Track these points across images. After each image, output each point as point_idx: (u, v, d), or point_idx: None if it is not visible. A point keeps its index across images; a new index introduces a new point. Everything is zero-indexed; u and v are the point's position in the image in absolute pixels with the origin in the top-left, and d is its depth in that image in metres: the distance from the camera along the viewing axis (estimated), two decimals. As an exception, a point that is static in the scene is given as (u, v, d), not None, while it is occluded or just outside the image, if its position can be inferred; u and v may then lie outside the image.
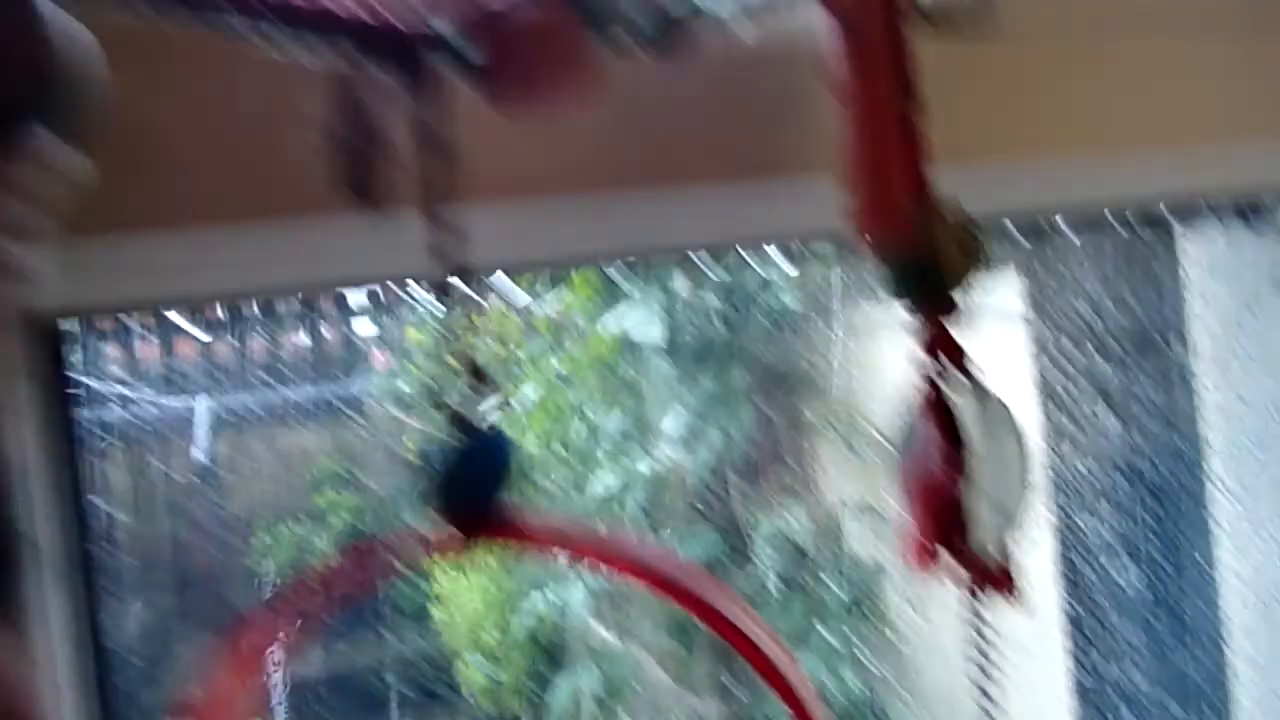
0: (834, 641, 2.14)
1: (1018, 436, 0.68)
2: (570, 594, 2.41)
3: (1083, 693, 1.26)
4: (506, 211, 0.68)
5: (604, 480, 2.49)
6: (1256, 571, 1.43)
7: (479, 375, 0.53)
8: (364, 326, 5.00)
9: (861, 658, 2.19)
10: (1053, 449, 1.41)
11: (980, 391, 0.67)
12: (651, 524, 2.49)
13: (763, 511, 2.30)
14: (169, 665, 4.29)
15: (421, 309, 4.36)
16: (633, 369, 2.66)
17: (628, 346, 2.69)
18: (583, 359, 2.90)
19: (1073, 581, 1.31)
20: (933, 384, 0.69)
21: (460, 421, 0.50)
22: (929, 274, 0.66)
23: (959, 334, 0.68)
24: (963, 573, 0.72)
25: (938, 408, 0.70)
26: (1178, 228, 1.46)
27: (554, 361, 3.08)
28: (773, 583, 2.28)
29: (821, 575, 2.21)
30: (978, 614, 0.73)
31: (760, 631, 0.55)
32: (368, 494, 4.62)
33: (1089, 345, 1.44)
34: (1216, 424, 1.47)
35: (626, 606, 2.72)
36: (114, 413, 4.16)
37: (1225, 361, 1.45)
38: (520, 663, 3.21)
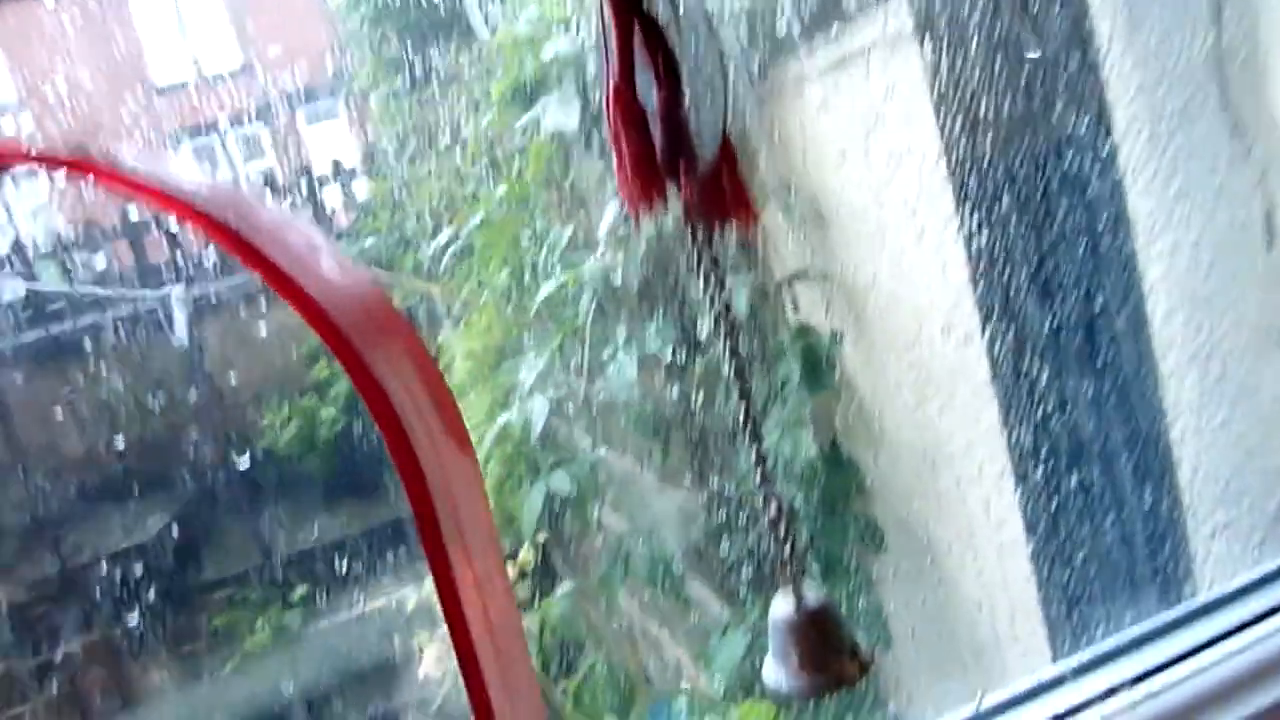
0: (792, 412, 2.08)
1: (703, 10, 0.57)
2: (533, 405, 2.37)
3: (1002, 392, 1.19)
4: None
5: (554, 285, 2.42)
6: (1174, 257, 1.32)
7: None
8: (332, 196, 4.88)
9: (829, 424, 2.14)
10: (952, 151, 1.29)
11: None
12: (606, 323, 2.42)
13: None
14: (212, 552, 4.40)
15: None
16: (565, 173, 2.55)
17: (559, 153, 2.57)
18: (523, 177, 2.79)
19: (987, 282, 1.22)
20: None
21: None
22: None
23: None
24: (694, 203, 0.62)
25: (633, 14, 0.59)
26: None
27: (498, 189, 2.97)
28: (727, 365, 2.21)
29: (771, 349, 2.14)
30: (712, 252, 0.64)
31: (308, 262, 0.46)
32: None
33: (987, 55, 1.30)
34: (1126, 105, 1.34)
35: (604, 414, 2.69)
36: (96, 318, 4.14)
37: (1131, 43, 1.30)
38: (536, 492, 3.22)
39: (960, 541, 1.52)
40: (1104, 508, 1.13)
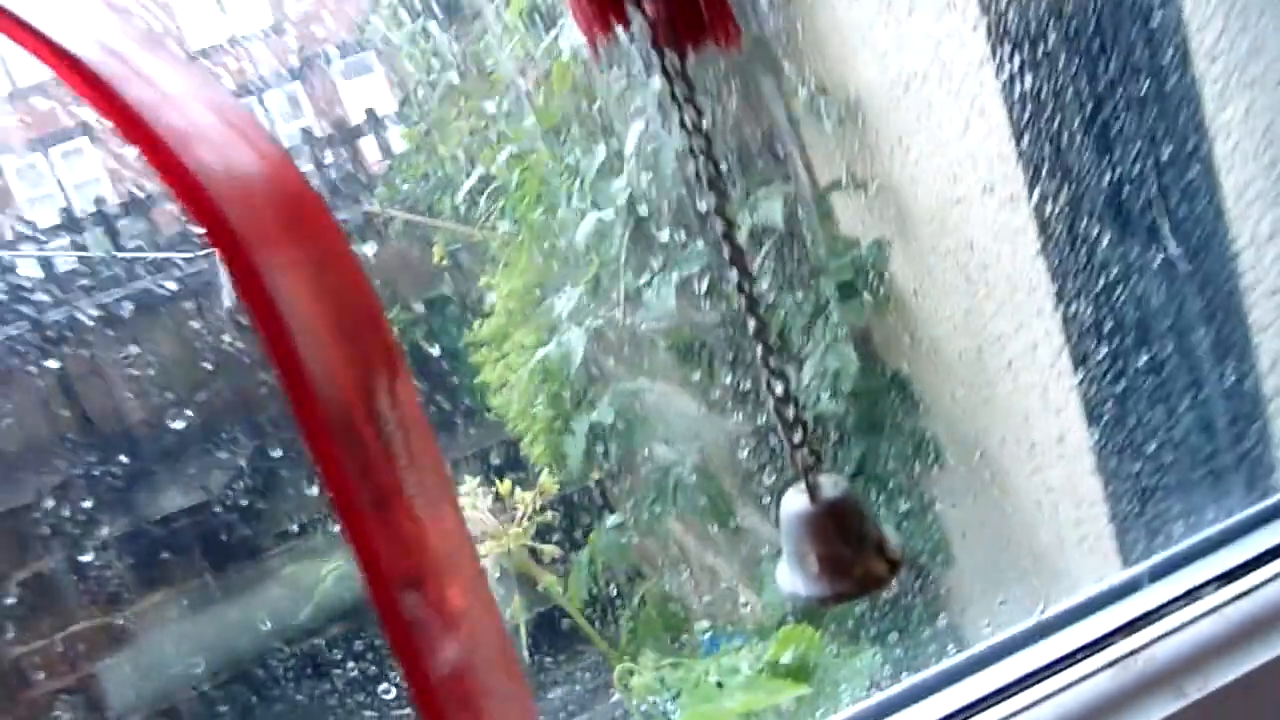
0: (836, 327, 1.96)
1: None
2: (570, 338, 2.28)
3: (1055, 262, 1.05)
4: None
5: (588, 220, 2.32)
6: (1247, 121, 1.16)
7: None
8: (369, 147, 4.81)
9: (874, 337, 2.02)
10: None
11: None
12: (641, 248, 2.32)
13: (745, 208, 2.08)
14: (274, 506, 4.44)
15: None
16: (591, 94, 2.43)
17: (583, 74, 2.45)
18: (550, 105, 2.68)
19: (1032, 135, 1.07)
20: None
21: None
22: None
23: None
24: (662, 23, 0.51)
25: None
26: None
27: (526, 120, 2.87)
28: (768, 283, 2.09)
29: (811, 262, 2.01)
30: (686, 84, 0.53)
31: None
32: (411, 305, 4.57)
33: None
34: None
35: (646, 342, 2.60)
36: (145, 283, 4.14)
37: None
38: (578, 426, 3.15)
39: (1014, 436, 1.39)
40: (1177, 392, 1.00)
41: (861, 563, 0.52)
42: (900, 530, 1.63)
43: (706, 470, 2.26)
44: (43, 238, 4.34)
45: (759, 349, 0.53)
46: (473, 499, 1.10)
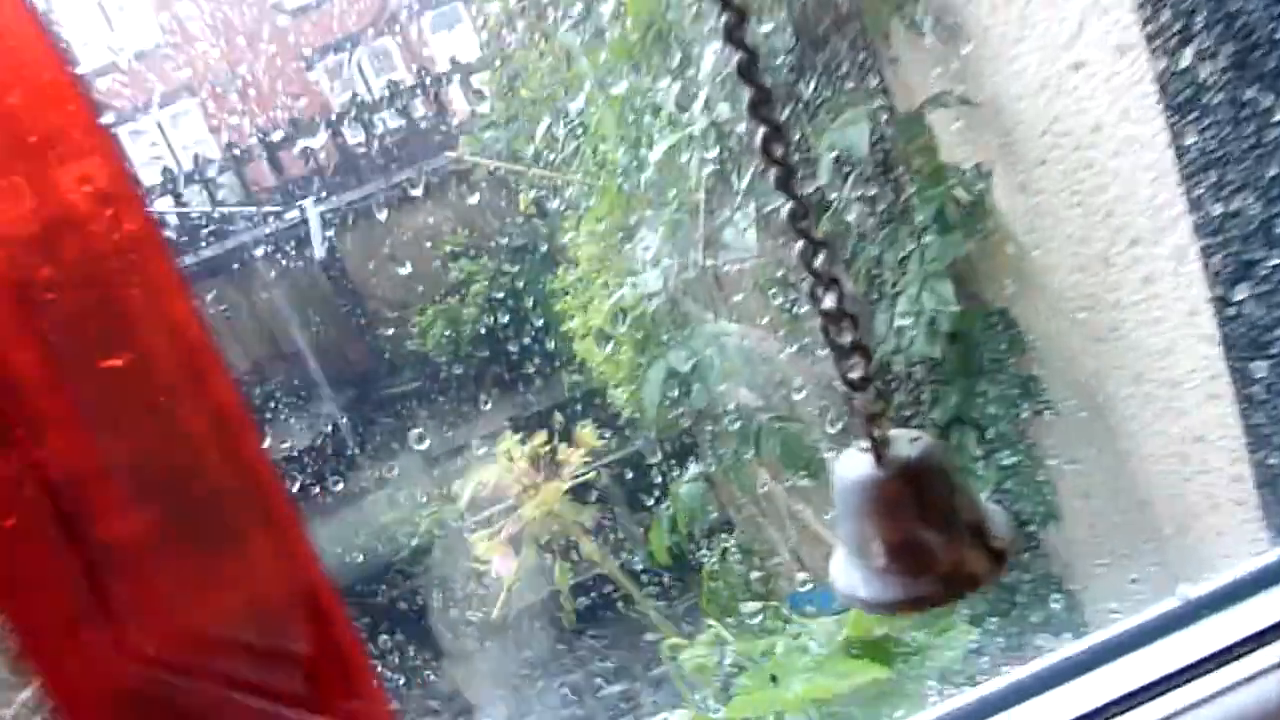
0: (933, 261, 1.75)
1: None
2: (648, 279, 2.12)
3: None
4: None
5: (663, 144, 2.15)
6: None
7: None
8: (455, 95, 4.71)
9: (972, 270, 1.79)
10: None
11: None
12: (721, 181, 2.14)
13: (830, 134, 1.87)
14: (369, 453, 4.44)
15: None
16: (664, 19, 2.23)
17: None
18: (626, 38, 2.50)
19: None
20: None
21: None
22: None
23: None
24: None
25: None
26: None
27: (602, 55, 2.70)
28: (855, 215, 1.89)
29: (906, 190, 1.79)
30: None
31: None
32: (499, 254, 4.48)
33: None
34: None
35: (727, 282, 2.43)
36: (241, 238, 4.14)
37: None
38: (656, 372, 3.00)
39: (1148, 374, 1.16)
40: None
41: (950, 553, 0.35)
42: (1005, 490, 1.40)
43: (793, 416, 2.09)
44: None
45: (799, 245, 0.36)
46: (508, 457, 0.96)
